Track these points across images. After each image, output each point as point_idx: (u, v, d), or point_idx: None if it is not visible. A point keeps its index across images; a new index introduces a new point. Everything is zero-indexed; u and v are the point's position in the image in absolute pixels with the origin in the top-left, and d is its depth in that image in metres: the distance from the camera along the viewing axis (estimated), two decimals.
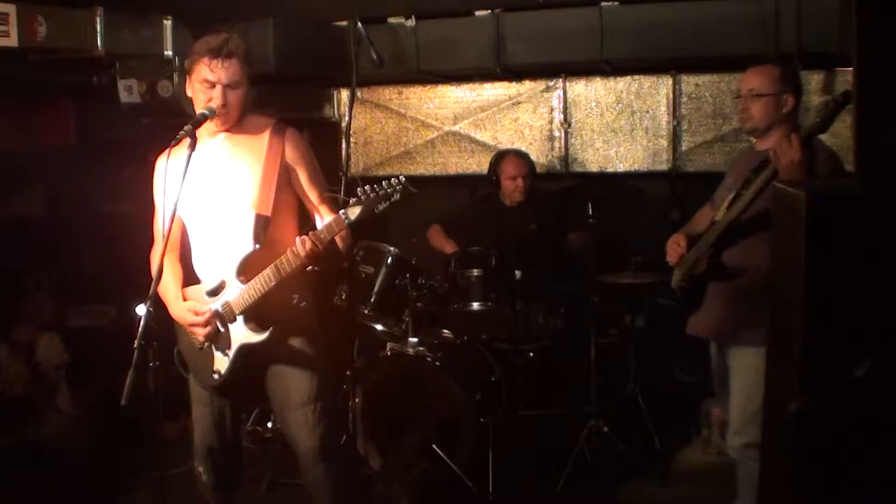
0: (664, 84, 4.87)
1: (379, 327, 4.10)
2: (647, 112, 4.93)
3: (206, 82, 2.66)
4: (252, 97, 2.83)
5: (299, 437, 2.84)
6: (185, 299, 2.80)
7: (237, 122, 2.78)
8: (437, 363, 3.84)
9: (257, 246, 2.68)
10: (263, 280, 2.65)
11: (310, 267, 2.67)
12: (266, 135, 2.78)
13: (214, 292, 2.75)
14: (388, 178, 2.54)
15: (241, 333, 2.73)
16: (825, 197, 1.81)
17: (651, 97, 4.91)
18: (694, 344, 3.33)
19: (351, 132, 5.31)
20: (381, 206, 2.54)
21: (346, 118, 5.27)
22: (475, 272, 4.11)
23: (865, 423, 1.81)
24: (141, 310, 2.37)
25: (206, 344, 2.79)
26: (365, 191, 2.54)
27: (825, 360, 1.80)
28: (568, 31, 4.45)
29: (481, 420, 3.84)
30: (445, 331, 4.22)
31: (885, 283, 1.76)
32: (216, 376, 2.79)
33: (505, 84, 5.17)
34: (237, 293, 2.70)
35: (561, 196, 4.95)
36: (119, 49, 3.77)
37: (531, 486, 3.96)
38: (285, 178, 2.79)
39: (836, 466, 1.84)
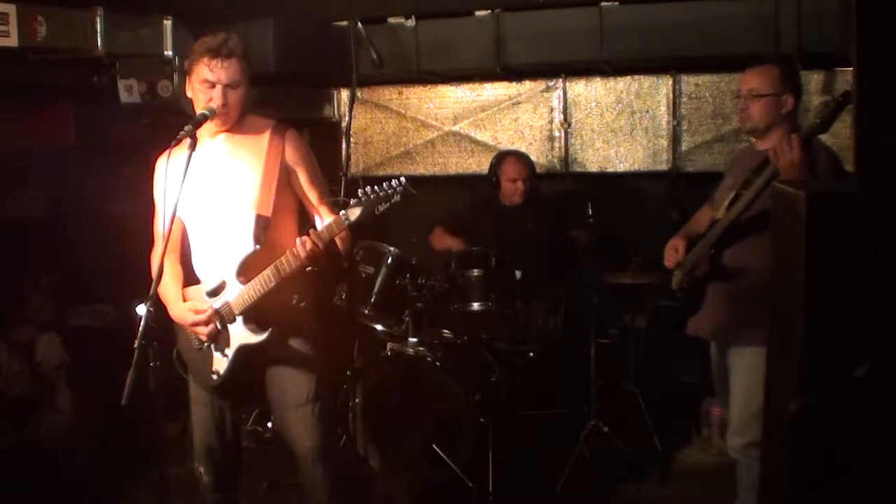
0: (664, 84, 4.87)
1: (379, 327, 4.11)
2: (647, 112, 4.92)
3: (206, 82, 2.66)
4: (252, 97, 2.83)
5: (298, 437, 2.84)
6: (184, 300, 2.80)
7: (237, 123, 2.78)
8: (437, 363, 3.84)
9: (257, 246, 2.68)
10: (263, 281, 2.65)
11: (309, 267, 2.67)
12: (266, 135, 2.78)
13: (214, 293, 2.75)
14: (388, 178, 2.54)
15: (240, 334, 2.73)
16: (825, 197, 1.81)
17: (651, 97, 4.91)
18: (694, 344, 3.34)
19: (351, 132, 5.32)
20: (382, 208, 2.54)
21: (346, 118, 5.30)
22: (475, 272, 4.11)
23: (865, 423, 1.81)
24: (141, 310, 2.37)
25: (205, 344, 2.79)
26: (365, 192, 2.54)
27: (825, 360, 1.80)
28: (568, 31, 4.45)
29: (481, 420, 3.84)
30: (445, 331, 4.22)
31: (886, 283, 1.76)
32: (215, 377, 2.79)
33: (505, 84, 5.17)
34: (237, 293, 2.70)
35: (561, 198, 4.95)
36: (119, 49, 3.76)
37: (531, 486, 3.96)
38: (285, 179, 2.79)
39: (836, 466, 1.84)
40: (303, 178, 2.81)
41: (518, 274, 4.09)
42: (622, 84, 4.95)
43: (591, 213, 4.03)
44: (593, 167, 5.07)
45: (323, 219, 2.78)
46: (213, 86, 2.66)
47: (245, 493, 3.16)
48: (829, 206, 1.79)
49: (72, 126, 4.72)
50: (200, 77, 2.66)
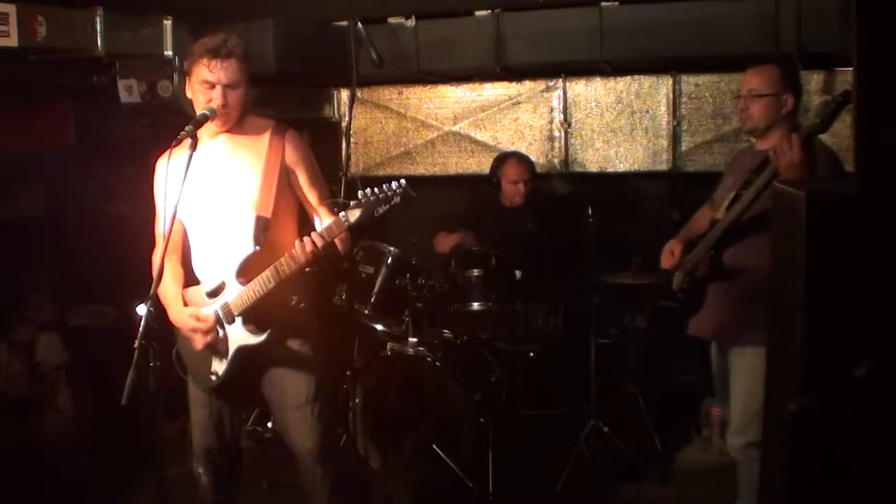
0: (664, 84, 4.87)
1: (379, 327, 4.11)
2: (647, 112, 4.92)
3: (206, 83, 2.66)
4: (252, 97, 2.83)
5: (298, 438, 2.84)
6: (184, 300, 2.80)
7: (237, 123, 2.78)
8: (437, 363, 3.84)
9: (257, 247, 2.68)
10: (263, 282, 2.65)
11: (308, 268, 2.67)
12: (266, 136, 2.78)
13: (214, 293, 2.75)
14: (388, 179, 2.54)
15: (239, 335, 2.73)
16: (825, 197, 1.81)
17: (651, 97, 4.91)
18: (694, 344, 3.34)
19: (351, 132, 5.32)
20: (381, 210, 2.54)
21: (346, 118, 5.31)
22: (475, 272, 4.11)
23: (865, 423, 1.81)
24: (141, 310, 2.37)
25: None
26: (365, 194, 2.54)
27: (825, 360, 1.80)
28: (568, 31, 4.45)
29: (481, 420, 3.84)
30: (445, 331, 4.22)
31: (886, 283, 1.76)
32: (214, 378, 2.79)
33: (505, 84, 5.17)
34: (236, 294, 2.70)
35: (561, 199, 4.95)
36: (119, 49, 3.76)
37: (531, 486, 3.96)
38: (285, 180, 2.79)
39: (836, 466, 1.84)
40: (302, 179, 2.81)
41: (518, 274, 4.09)
42: (622, 84, 4.96)
43: (590, 212, 4.03)
44: (593, 167, 5.07)
45: (322, 220, 2.78)
46: (212, 86, 2.66)
47: (245, 493, 3.16)
48: (829, 206, 1.79)
49: (72, 126, 4.71)
50: (200, 78, 2.66)
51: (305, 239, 2.60)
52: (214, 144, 2.77)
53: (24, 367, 4.34)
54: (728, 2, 4.23)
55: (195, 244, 2.84)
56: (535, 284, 4.18)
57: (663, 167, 4.92)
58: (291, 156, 2.79)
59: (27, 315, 4.54)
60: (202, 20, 3.85)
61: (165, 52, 3.94)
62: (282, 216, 2.78)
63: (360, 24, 4.55)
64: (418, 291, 3.97)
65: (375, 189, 2.53)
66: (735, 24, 4.17)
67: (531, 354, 4.33)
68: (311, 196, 2.83)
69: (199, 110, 2.66)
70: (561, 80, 5.04)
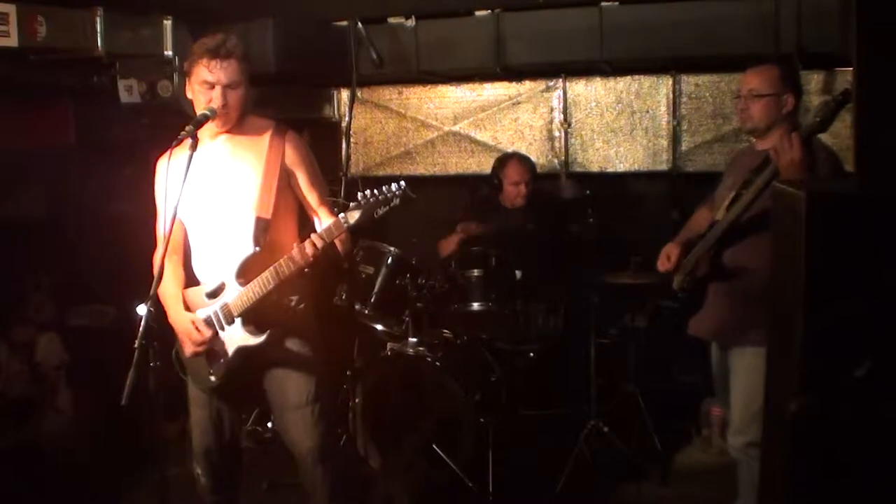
0: (664, 84, 4.87)
1: (379, 327, 4.11)
2: (647, 112, 4.93)
3: (206, 83, 2.66)
4: (252, 97, 2.83)
5: (298, 438, 2.84)
6: (184, 301, 2.80)
7: (238, 124, 2.78)
8: (437, 363, 3.84)
9: (257, 248, 2.68)
10: (262, 282, 2.65)
11: (307, 269, 2.67)
12: (267, 137, 2.78)
13: (214, 294, 2.75)
14: (388, 179, 2.55)
15: (238, 336, 2.73)
16: (825, 197, 1.81)
17: (651, 97, 4.91)
18: (694, 344, 3.33)
19: (351, 132, 5.32)
20: (381, 211, 2.54)
21: (346, 118, 5.31)
22: (475, 272, 4.11)
23: (865, 423, 1.81)
24: (141, 310, 2.37)
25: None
26: (365, 195, 2.54)
27: (825, 360, 1.80)
28: (568, 31, 4.45)
29: (481, 420, 3.84)
30: (445, 331, 4.22)
31: (886, 283, 1.76)
32: (213, 378, 2.79)
33: (505, 84, 5.17)
34: (236, 295, 2.70)
35: (562, 200, 4.95)
36: (119, 49, 3.76)
37: (531, 486, 3.96)
38: (285, 181, 2.79)
39: (836, 466, 1.84)
40: (302, 180, 2.81)
41: (518, 274, 4.09)
42: (622, 84, 4.96)
43: (590, 213, 4.03)
44: (593, 167, 5.07)
45: (322, 221, 2.78)
46: (212, 87, 2.66)
47: (245, 493, 3.16)
48: (829, 206, 1.79)
49: (72, 126, 4.72)
50: (200, 78, 2.66)
51: (307, 240, 2.60)
52: (215, 145, 2.77)
53: (24, 367, 4.34)
54: (728, 2, 4.23)
55: (195, 245, 2.84)
56: (535, 284, 4.18)
57: (663, 167, 4.93)
58: (292, 156, 2.79)
59: (27, 315, 4.54)
60: (202, 20, 3.85)
61: (165, 52, 3.94)
62: (282, 217, 2.78)
63: (360, 24, 4.55)
64: (418, 291, 3.97)
65: (375, 190, 2.53)
66: (735, 24, 4.17)
67: (531, 354, 4.33)
68: (312, 197, 2.83)
69: (200, 111, 2.66)
70: (561, 80, 5.04)
